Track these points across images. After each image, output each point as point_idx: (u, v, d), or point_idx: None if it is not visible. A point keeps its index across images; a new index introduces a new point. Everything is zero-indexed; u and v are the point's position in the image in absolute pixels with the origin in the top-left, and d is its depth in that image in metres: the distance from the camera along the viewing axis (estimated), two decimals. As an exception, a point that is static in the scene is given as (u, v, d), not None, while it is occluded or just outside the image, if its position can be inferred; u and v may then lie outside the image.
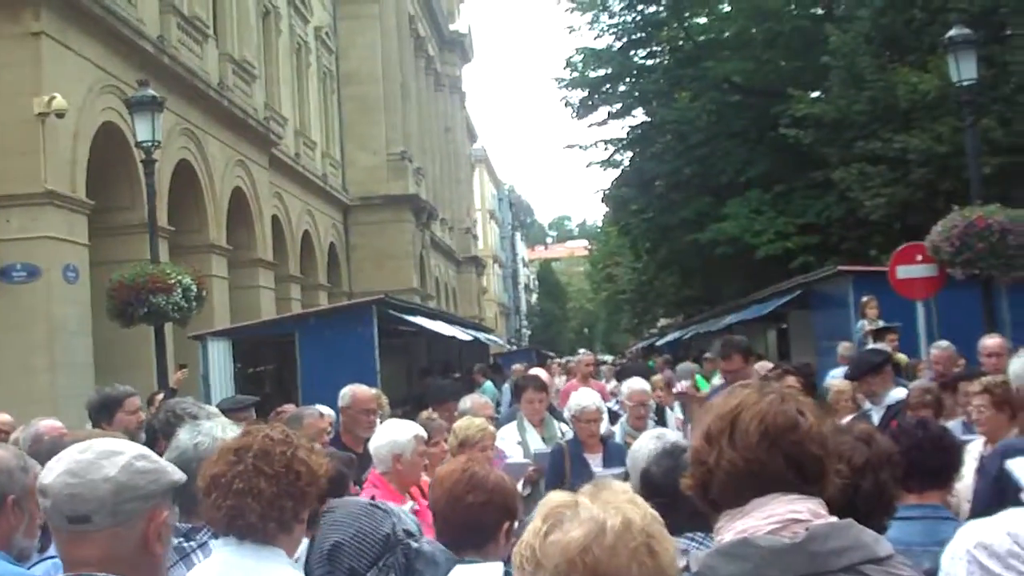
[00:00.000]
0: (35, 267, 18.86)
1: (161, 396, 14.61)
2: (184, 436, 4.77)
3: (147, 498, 3.23)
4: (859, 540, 2.77)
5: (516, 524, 4.82)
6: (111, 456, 3.24)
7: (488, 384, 26.18)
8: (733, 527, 2.82)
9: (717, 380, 13.20)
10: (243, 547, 3.67)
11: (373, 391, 10.36)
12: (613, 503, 2.36)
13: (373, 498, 4.86)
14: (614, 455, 9.28)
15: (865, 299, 16.74)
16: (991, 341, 10.66)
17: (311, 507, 3.84)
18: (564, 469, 9.36)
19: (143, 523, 3.23)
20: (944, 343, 12.47)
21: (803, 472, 2.83)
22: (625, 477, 7.35)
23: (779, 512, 2.78)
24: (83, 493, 3.15)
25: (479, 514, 4.66)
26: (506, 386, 25.41)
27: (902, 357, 14.48)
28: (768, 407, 2.86)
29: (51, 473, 3.22)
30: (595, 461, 9.42)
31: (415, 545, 4.64)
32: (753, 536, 2.75)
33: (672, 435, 5.71)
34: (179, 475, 3.41)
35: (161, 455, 3.61)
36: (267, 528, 3.64)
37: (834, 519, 2.81)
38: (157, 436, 7.01)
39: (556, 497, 2.42)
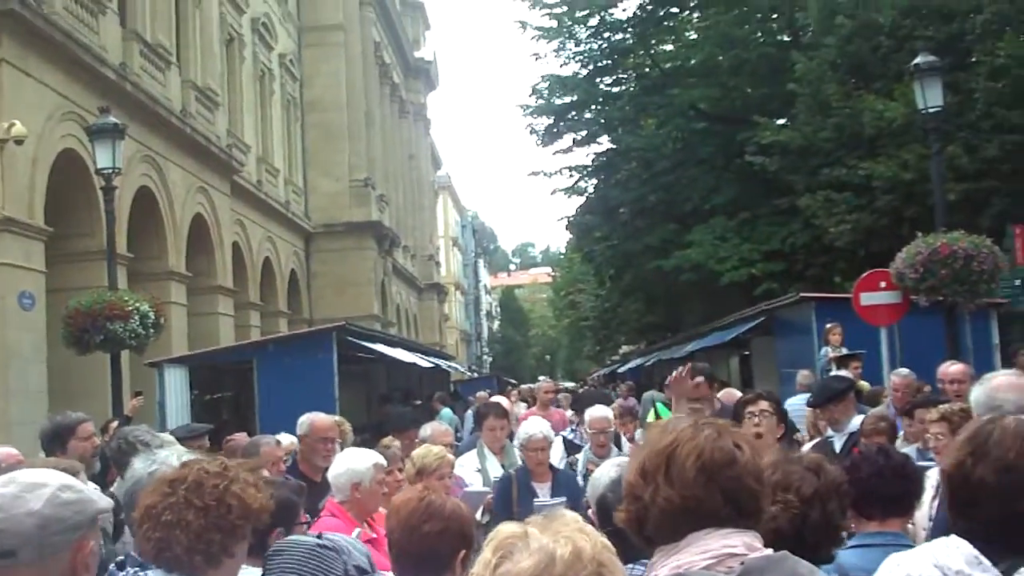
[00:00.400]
0: (-10, 293, 18.64)
1: (116, 424, 14.41)
2: (139, 465, 4.75)
3: (73, 529, 3.18)
4: (794, 572, 2.78)
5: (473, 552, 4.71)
6: (35, 489, 3.18)
7: (446, 411, 26.02)
8: (667, 563, 2.80)
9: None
10: None
11: (332, 419, 10.20)
12: (563, 533, 2.29)
13: (320, 535, 4.67)
14: (562, 484, 9.20)
15: (829, 326, 16.73)
16: (954, 368, 10.59)
17: (243, 540, 3.75)
18: (511, 498, 9.23)
19: (70, 554, 3.18)
20: (904, 371, 12.45)
21: (739, 506, 2.83)
22: (570, 507, 7.23)
23: (714, 547, 2.76)
24: (8, 528, 3.09)
25: (435, 543, 4.59)
26: (469, 413, 25.33)
27: (864, 384, 14.45)
28: (705, 442, 2.85)
29: None
30: (543, 490, 9.33)
31: None
32: (688, 572, 2.74)
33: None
34: (105, 503, 3.38)
35: (113, 483, 3.54)
36: (193, 561, 3.58)
37: (769, 552, 2.81)
38: (110, 464, 6.87)
39: (506, 528, 2.35)
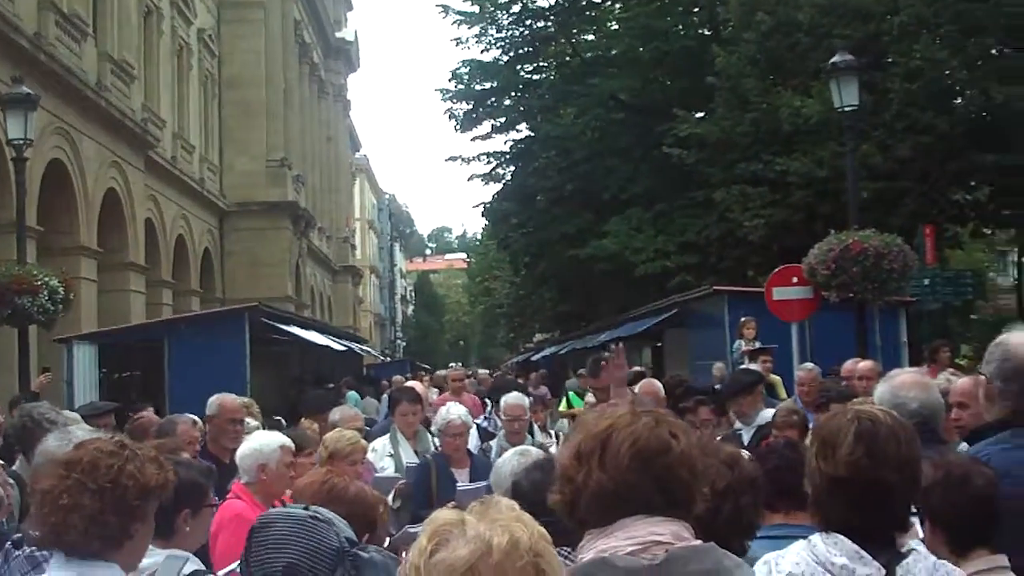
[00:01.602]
0: None
1: (24, 401, 14.19)
2: (53, 442, 4.67)
3: None
4: (720, 564, 2.81)
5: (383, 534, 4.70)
6: None
7: (352, 394, 25.94)
8: (595, 546, 2.82)
9: (590, 397, 13.10)
10: (70, 564, 3.57)
11: (241, 400, 10.11)
12: (500, 521, 2.30)
13: (307, 507, 4.59)
14: (480, 470, 9.17)
15: (744, 319, 16.83)
16: (862, 365, 10.77)
17: (144, 521, 3.71)
18: (431, 484, 9.22)
19: None
20: (809, 365, 12.57)
21: (671, 496, 2.85)
22: (488, 491, 7.22)
23: (640, 534, 2.78)
24: None
25: None
26: (384, 397, 25.31)
27: (775, 378, 14.58)
28: (642, 430, 2.86)
29: None
30: (462, 476, 9.34)
31: (365, 556, 4.42)
32: (612, 556, 2.76)
33: (536, 451, 5.68)
34: None
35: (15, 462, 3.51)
36: (91, 545, 3.55)
37: (697, 543, 2.84)
38: (13, 442, 6.75)
39: (442, 515, 2.35)
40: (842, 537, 3.34)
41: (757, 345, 16.07)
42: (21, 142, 18.57)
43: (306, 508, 4.33)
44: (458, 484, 8.99)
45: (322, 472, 5.17)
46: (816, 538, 3.41)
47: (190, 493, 4.96)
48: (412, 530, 7.99)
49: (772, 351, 15.65)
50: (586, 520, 2.86)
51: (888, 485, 3.36)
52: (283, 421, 14.70)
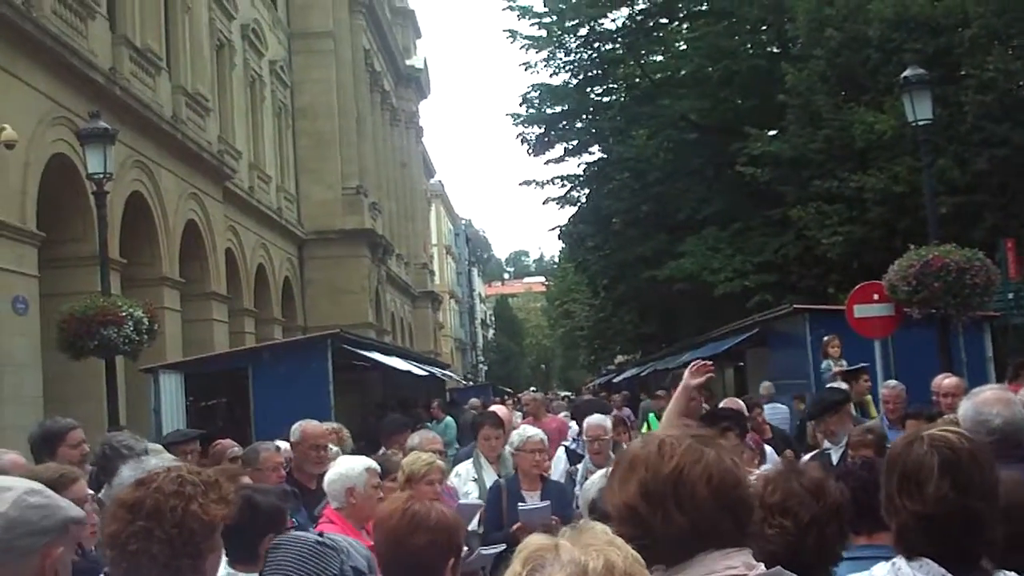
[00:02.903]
0: (-17, 299, 18.60)
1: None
2: (127, 473, 4.64)
3: (41, 534, 3.17)
4: None
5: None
6: (1, 492, 3.18)
7: (449, 419, 26.05)
8: None
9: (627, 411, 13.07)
10: None
11: (325, 426, 10.21)
12: (594, 545, 2.25)
13: (321, 534, 4.68)
14: (552, 492, 9.19)
15: (827, 338, 16.67)
16: (947, 381, 10.58)
17: (213, 553, 3.71)
18: (502, 507, 9.22)
19: (37, 560, 3.16)
20: (893, 382, 12.44)
21: (741, 525, 2.85)
22: (556, 513, 7.22)
23: (717, 569, 2.76)
24: None
25: (423, 555, 4.56)
26: (448, 419, 25.49)
27: (867, 398, 14.39)
28: (712, 465, 2.84)
29: None
30: (533, 498, 9.28)
31: None
32: None
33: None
34: (76, 512, 3.36)
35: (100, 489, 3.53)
36: None
37: (761, 568, 2.83)
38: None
39: (536, 540, 2.30)
40: (927, 560, 3.29)
41: (844, 364, 15.91)
42: (101, 176, 18.76)
43: (320, 535, 4.41)
44: (520, 504, 8.99)
45: (403, 499, 5.18)
46: (901, 561, 3.35)
47: (271, 518, 5.03)
48: (486, 552, 8.04)
49: (867, 370, 15.42)
50: (655, 560, 2.75)
51: (976, 513, 3.31)
52: (362, 446, 14.75)
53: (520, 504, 8.96)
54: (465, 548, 7.07)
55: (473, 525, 8.86)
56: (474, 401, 30.95)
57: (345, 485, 6.95)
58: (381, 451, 10.29)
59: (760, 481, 4.20)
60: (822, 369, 16.59)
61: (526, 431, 9.79)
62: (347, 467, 7.14)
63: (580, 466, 11.34)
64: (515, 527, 8.39)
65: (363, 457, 7.56)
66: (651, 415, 18.91)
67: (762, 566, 2.83)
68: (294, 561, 4.45)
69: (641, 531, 2.78)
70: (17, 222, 19.47)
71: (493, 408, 14.58)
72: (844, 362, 15.96)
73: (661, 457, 2.87)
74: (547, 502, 8.80)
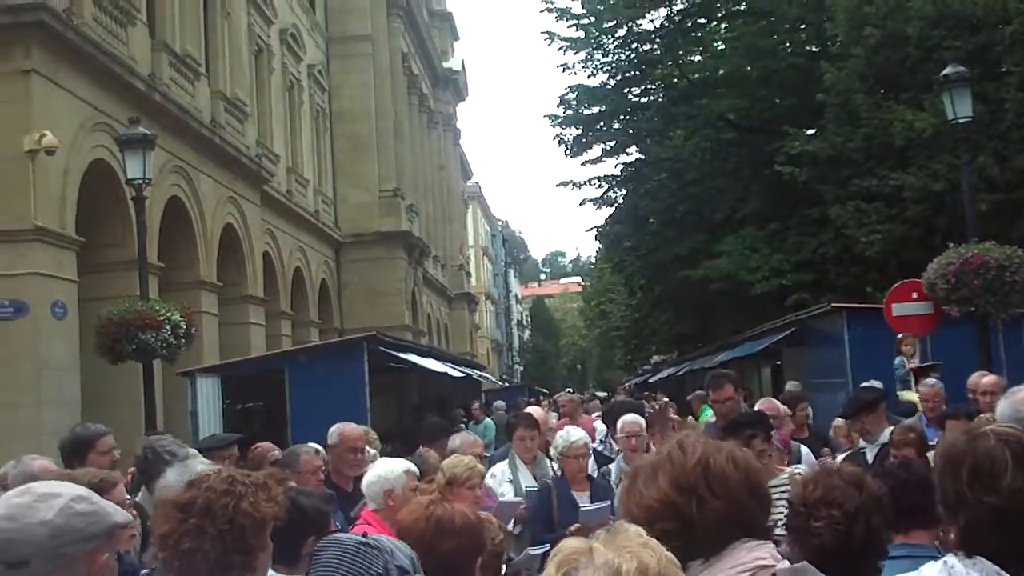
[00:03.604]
0: (23, 303, 18.73)
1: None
2: (173, 477, 4.70)
3: (87, 540, 3.21)
4: None
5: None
6: (48, 499, 3.22)
7: (489, 421, 26.12)
8: None
9: (710, 416, 13.03)
10: None
11: (362, 429, 10.22)
12: (628, 547, 2.27)
13: (365, 535, 4.69)
14: (601, 492, 9.17)
15: (900, 335, 16.67)
16: (986, 380, 10.54)
17: (263, 551, 3.76)
18: (551, 508, 9.23)
19: (83, 566, 3.20)
20: (931, 380, 12.38)
21: (767, 514, 2.92)
22: (612, 511, 7.23)
23: (745, 560, 2.79)
24: (20, 538, 3.13)
25: (451, 559, 4.64)
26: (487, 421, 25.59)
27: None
28: (733, 452, 2.92)
29: None
30: (583, 499, 9.33)
31: None
32: None
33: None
34: (122, 517, 3.42)
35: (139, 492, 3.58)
36: None
37: (790, 564, 2.87)
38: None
39: (570, 543, 2.31)
40: (981, 558, 3.25)
41: (917, 361, 15.86)
42: (140, 181, 18.87)
43: (364, 536, 4.43)
44: (581, 505, 9.01)
45: (423, 504, 5.20)
46: (953, 559, 3.32)
47: (314, 520, 5.05)
48: (533, 552, 8.04)
49: (939, 367, 15.30)
50: (693, 553, 2.83)
51: None
52: (396, 447, 14.78)
53: (582, 506, 8.99)
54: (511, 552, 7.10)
55: (509, 525, 8.87)
56: (499, 403, 31.09)
57: (383, 487, 6.99)
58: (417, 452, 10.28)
59: (799, 482, 4.23)
60: (895, 365, 16.50)
61: (570, 435, 9.76)
62: (386, 469, 7.17)
63: (612, 467, 11.33)
64: (574, 528, 8.39)
65: (402, 460, 7.58)
66: (705, 408, 18.98)
67: (786, 561, 2.87)
68: (339, 561, 4.47)
69: (678, 523, 2.83)
70: (57, 227, 19.61)
71: (528, 409, 14.58)
72: (917, 359, 15.92)
73: (684, 453, 2.92)
74: (607, 502, 8.82)
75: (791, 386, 17.84)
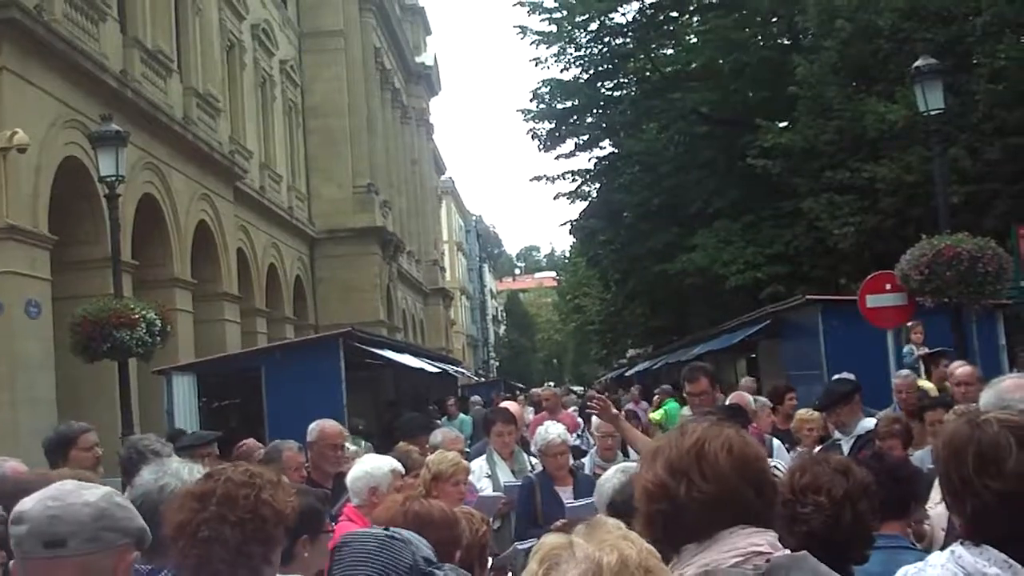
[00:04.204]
0: (-4, 302, 18.64)
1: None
2: (148, 476, 4.66)
3: (122, 532, 3.29)
4: (817, 571, 2.88)
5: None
6: (91, 488, 3.35)
7: (465, 416, 26.13)
8: (694, 562, 2.84)
9: (686, 411, 13.05)
10: None
11: (341, 426, 10.21)
12: (608, 541, 2.28)
13: (387, 528, 4.67)
14: (584, 487, 9.18)
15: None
16: (961, 370, 10.57)
17: (280, 546, 3.78)
18: (535, 503, 9.25)
19: (114, 559, 3.27)
20: (905, 371, 12.50)
21: (768, 500, 2.90)
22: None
23: (741, 545, 2.81)
24: (63, 515, 3.21)
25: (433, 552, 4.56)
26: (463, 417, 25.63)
27: (947, 386, 14.27)
28: (731, 438, 2.91)
29: (30, 501, 3.28)
30: (566, 493, 9.34)
31: (439, 574, 4.48)
32: (716, 569, 2.79)
33: (635, 468, 5.68)
34: (142, 523, 3.45)
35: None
36: (236, 574, 3.59)
37: (788, 551, 2.88)
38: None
39: (551, 539, 2.34)
40: (988, 546, 3.25)
41: (926, 349, 15.94)
42: (113, 179, 18.83)
43: (386, 529, 4.41)
44: (566, 502, 9.03)
45: (399, 499, 5.20)
46: (960, 549, 3.31)
47: (309, 519, 5.02)
48: (521, 547, 8.05)
49: (949, 354, 15.29)
50: (682, 536, 2.87)
51: None
52: (375, 444, 14.76)
53: (567, 502, 9.01)
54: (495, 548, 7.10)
55: (490, 520, 8.89)
56: (476, 398, 31.22)
57: (368, 484, 7.01)
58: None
59: (787, 471, 4.27)
60: (904, 353, 16.54)
61: (548, 432, 9.76)
62: (373, 466, 7.19)
63: (586, 460, 11.38)
64: (560, 523, 8.41)
65: (388, 457, 7.61)
66: (670, 401, 19.02)
67: (787, 551, 2.88)
68: (365, 556, 4.43)
69: (669, 505, 2.87)
70: (29, 225, 19.53)
71: (504, 404, 14.59)
72: (926, 348, 15.99)
73: (683, 435, 2.96)
74: (592, 499, 8.82)
75: (745, 381, 17.93)
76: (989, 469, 3.27)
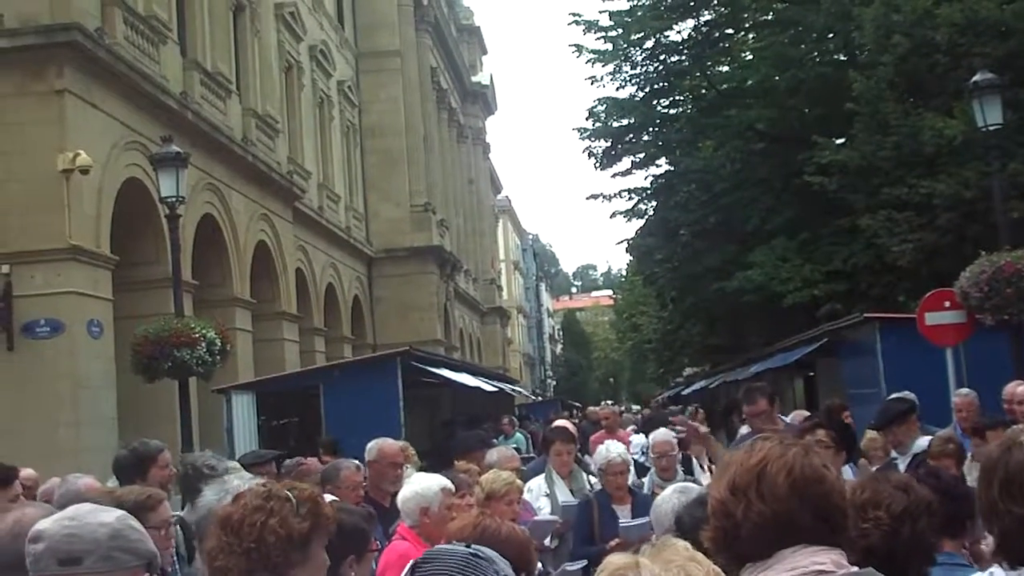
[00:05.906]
0: (59, 322, 18.87)
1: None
2: (210, 495, 4.70)
3: (136, 555, 3.32)
4: None
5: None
6: (107, 511, 3.40)
7: (519, 435, 26.15)
8: None
9: (744, 429, 13.02)
10: None
11: (400, 444, 10.26)
12: (675, 562, 2.29)
13: (469, 545, 4.68)
14: (642, 506, 9.17)
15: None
16: (1021, 389, 10.46)
17: (299, 566, 3.74)
18: (592, 522, 9.26)
19: None
20: (965, 390, 12.32)
21: (829, 523, 2.87)
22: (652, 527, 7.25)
23: (802, 564, 2.80)
24: (80, 534, 3.24)
25: None
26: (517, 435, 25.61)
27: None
28: (794, 459, 2.90)
29: (48, 520, 3.32)
30: (623, 512, 9.34)
31: None
32: None
33: (695, 488, 5.69)
34: (154, 548, 3.49)
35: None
36: None
37: (855, 569, 2.86)
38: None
39: (617, 559, 2.34)
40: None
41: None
42: (173, 199, 19.02)
43: (468, 546, 4.41)
44: (620, 520, 9.03)
45: (474, 515, 5.21)
46: (998, 570, 3.31)
47: (354, 539, 5.05)
48: (570, 568, 8.04)
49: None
50: (743, 554, 2.87)
51: None
52: (432, 463, 14.78)
53: (622, 521, 9.01)
54: (539, 565, 7.11)
55: (547, 541, 8.89)
56: (508, 420, 31.29)
57: (420, 504, 7.01)
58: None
59: (848, 487, 4.27)
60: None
61: (609, 451, 9.76)
62: (423, 486, 7.17)
63: (646, 479, 11.37)
64: (614, 543, 8.42)
65: (438, 476, 7.56)
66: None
67: (854, 568, 2.87)
68: (449, 571, 4.46)
69: (729, 522, 2.88)
70: (92, 246, 19.75)
71: (558, 422, 14.59)
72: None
73: (749, 454, 2.96)
74: (647, 518, 8.83)
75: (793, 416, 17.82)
76: (1013, 493, 3.26)
